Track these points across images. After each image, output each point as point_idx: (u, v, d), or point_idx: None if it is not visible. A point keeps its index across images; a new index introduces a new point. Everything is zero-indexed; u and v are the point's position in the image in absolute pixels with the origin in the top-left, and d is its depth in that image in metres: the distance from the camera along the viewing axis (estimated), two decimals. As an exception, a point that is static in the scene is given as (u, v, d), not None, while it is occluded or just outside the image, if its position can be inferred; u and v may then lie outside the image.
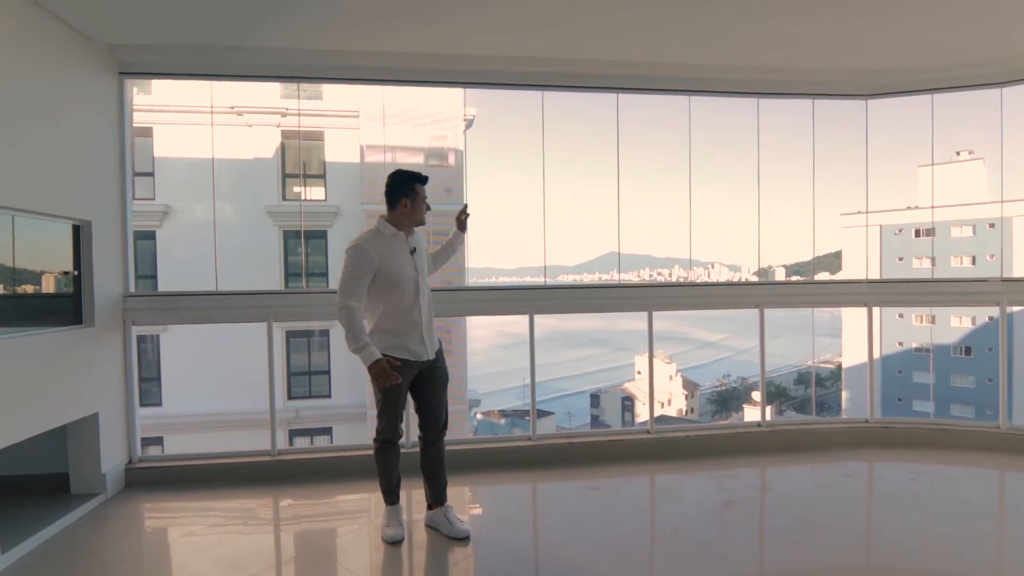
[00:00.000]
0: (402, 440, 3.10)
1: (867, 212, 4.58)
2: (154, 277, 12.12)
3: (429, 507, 3.17)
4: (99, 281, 3.64)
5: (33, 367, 3.12)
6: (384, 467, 3.05)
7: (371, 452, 3.09)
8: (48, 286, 3.59)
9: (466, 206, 3.45)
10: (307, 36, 3.73)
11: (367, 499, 3.62)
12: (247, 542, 3.13)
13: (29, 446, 3.22)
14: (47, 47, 3.23)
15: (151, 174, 12.20)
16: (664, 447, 4.36)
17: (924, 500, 3.53)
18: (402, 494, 3.15)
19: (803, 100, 4.67)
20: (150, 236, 12.08)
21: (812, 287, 4.80)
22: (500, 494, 3.80)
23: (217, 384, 11.93)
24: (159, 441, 11.58)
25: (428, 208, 3.03)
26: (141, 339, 11.99)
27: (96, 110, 3.69)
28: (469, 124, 15.28)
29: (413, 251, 2.99)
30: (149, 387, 12.14)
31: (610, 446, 4.34)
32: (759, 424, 4.55)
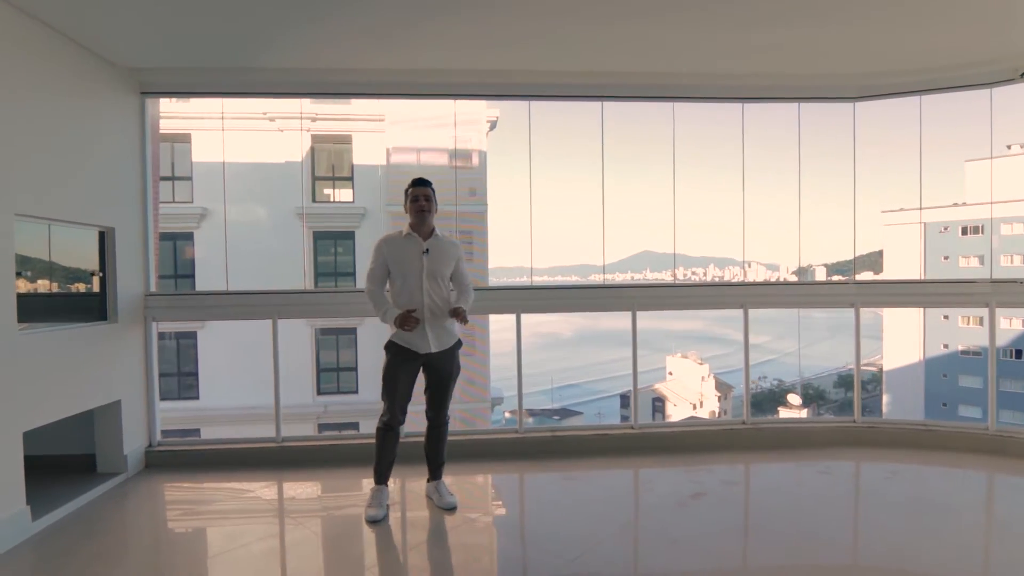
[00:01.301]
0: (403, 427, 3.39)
1: (854, 214, 4.62)
2: (192, 276, 12.77)
3: (428, 479, 3.57)
4: (122, 281, 4.04)
5: (64, 358, 3.52)
6: (380, 448, 3.37)
7: (364, 441, 3.39)
8: (97, 286, 4.01)
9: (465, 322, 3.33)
10: (311, 56, 4.06)
11: (359, 482, 3.91)
12: (251, 518, 3.44)
13: (60, 429, 3.65)
14: (73, 72, 3.63)
15: (189, 178, 12.85)
16: (648, 442, 4.51)
17: (892, 498, 3.56)
18: (402, 486, 3.40)
19: (791, 104, 4.74)
20: (188, 237, 12.73)
21: (797, 288, 4.85)
22: (483, 482, 4.04)
23: (250, 380, 12.48)
24: (196, 432, 12.21)
25: (424, 208, 3.27)
26: (180, 335, 12.71)
27: (120, 127, 4.08)
28: (493, 125, 15.54)
29: (426, 252, 3.27)
30: (187, 382, 12.82)
31: (594, 440, 4.51)
32: (743, 422, 4.65)
